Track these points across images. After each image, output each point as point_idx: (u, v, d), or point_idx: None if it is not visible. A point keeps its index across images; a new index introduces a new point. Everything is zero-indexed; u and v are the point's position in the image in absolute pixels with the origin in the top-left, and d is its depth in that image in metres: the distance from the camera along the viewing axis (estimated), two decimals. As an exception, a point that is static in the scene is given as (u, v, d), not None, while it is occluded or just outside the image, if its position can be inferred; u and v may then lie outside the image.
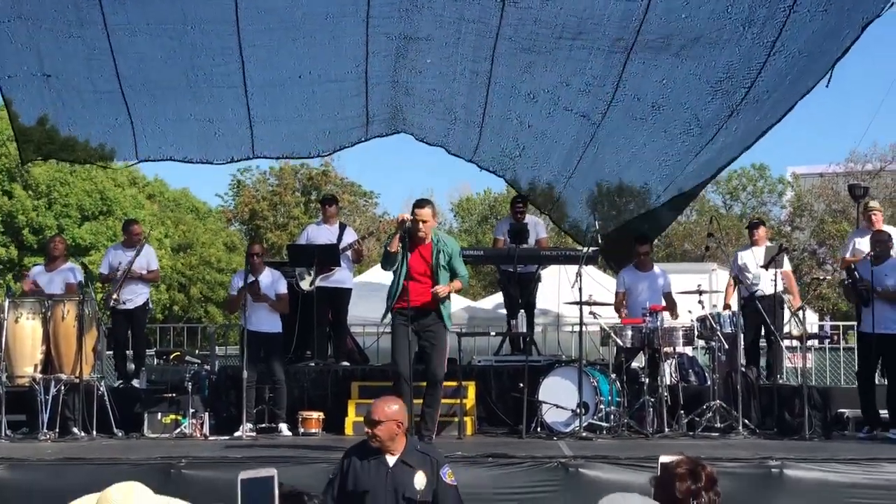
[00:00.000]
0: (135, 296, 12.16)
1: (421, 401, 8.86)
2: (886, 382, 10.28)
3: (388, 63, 11.71)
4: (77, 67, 11.65)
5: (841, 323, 17.65)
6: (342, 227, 12.55)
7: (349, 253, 12.31)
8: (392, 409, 6.11)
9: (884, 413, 10.19)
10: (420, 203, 8.84)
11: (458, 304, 18.52)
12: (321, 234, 12.44)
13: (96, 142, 12.79)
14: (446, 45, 11.44)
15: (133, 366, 12.45)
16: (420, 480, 5.99)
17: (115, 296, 11.86)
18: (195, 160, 12.87)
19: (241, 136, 12.58)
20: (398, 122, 12.83)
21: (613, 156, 12.63)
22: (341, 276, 12.23)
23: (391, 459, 6.05)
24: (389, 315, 8.84)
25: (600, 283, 14.04)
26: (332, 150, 13.73)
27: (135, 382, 12.10)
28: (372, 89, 12.09)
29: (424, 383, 8.78)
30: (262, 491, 3.30)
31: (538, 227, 12.78)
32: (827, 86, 9.99)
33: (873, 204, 12.33)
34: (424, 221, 8.61)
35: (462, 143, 13.10)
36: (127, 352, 12.64)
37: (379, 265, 13.04)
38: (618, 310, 11.42)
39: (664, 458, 3.35)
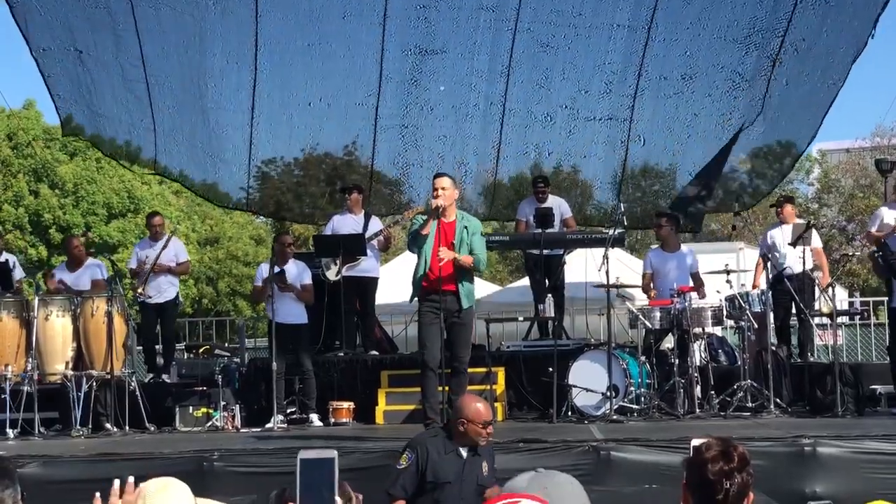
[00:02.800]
0: (165, 289, 12.19)
1: (446, 388, 8.80)
2: None
3: (399, 95, 11.70)
4: (105, 43, 11.72)
5: (871, 299, 17.49)
6: (367, 216, 12.50)
7: (375, 241, 12.28)
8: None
9: None
10: (439, 174, 8.90)
11: (485, 290, 18.49)
12: (346, 223, 12.39)
13: (122, 138, 12.84)
14: (462, 57, 11.41)
15: (162, 360, 12.50)
16: (486, 468, 6.43)
17: (140, 290, 11.90)
18: (199, 193, 13.13)
19: (240, 184, 12.78)
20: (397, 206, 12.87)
21: (666, 139, 12.42)
22: (367, 266, 12.20)
23: (464, 451, 6.42)
24: (417, 302, 8.81)
25: (627, 266, 13.99)
26: (324, 223, 13.47)
27: (164, 377, 12.15)
28: (381, 133, 12.16)
29: (449, 370, 8.71)
30: (322, 472, 3.19)
31: (562, 206, 12.61)
32: (872, 37, 10.07)
33: None
34: (444, 188, 8.59)
35: (475, 205, 13.10)
36: (156, 346, 12.70)
37: (405, 254, 12.99)
38: (646, 291, 11.37)
39: (696, 441, 3.33)
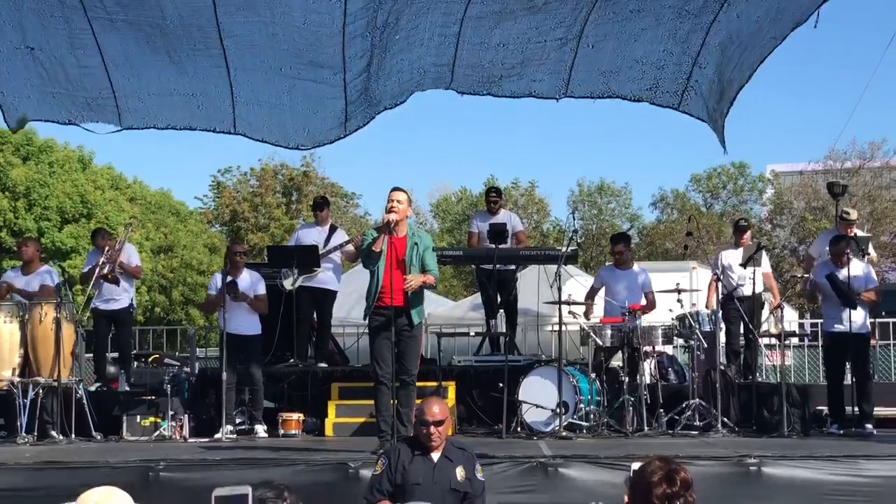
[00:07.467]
0: (118, 296, 12.01)
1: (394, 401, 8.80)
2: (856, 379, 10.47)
3: (363, 63, 11.75)
4: (60, 43, 11.56)
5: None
6: (332, 229, 12.52)
7: (337, 255, 12.24)
8: (446, 408, 6.63)
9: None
10: (395, 188, 8.88)
11: (438, 304, 18.52)
12: (310, 235, 12.43)
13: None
14: (416, 17, 11.51)
15: (112, 369, 12.37)
16: (461, 474, 6.45)
17: (116, 271, 11.68)
18: (179, 127, 12.77)
19: (224, 112, 12.50)
20: (371, 107, 12.71)
21: (614, 44, 12.43)
22: (325, 278, 12.19)
23: (435, 455, 6.49)
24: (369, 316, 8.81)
25: (580, 283, 14.05)
26: (311, 146, 13.59)
27: (114, 385, 12.03)
28: (350, 88, 12.08)
29: (397, 384, 8.71)
30: None
31: (514, 220, 12.79)
32: (815, 26, 10.17)
33: (852, 217, 12.05)
34: (399, 202, 8.64)
35: (435, 82, 12.95)
36: (107, 354, 12.56)
37: (355, 268, 12.95)
38: (587, 300, 11.41)
39: (636, 464, 3.36)
